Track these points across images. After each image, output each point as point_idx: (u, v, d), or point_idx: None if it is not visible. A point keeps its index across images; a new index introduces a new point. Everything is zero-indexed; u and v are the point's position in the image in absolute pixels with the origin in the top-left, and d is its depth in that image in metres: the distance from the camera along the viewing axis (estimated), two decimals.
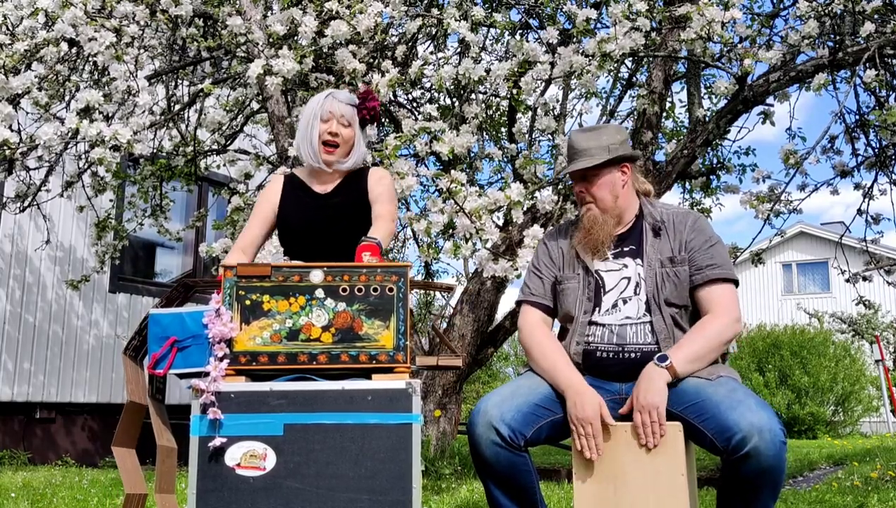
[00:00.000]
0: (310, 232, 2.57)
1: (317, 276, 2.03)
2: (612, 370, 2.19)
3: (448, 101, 6.35)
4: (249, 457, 1.95)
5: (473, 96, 4.64)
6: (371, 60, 4.70)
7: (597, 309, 2.25)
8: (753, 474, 1.90)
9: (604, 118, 5.69)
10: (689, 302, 2.23)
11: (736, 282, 2.23)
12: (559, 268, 2.35)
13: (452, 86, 4.56)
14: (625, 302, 2.23)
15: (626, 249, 2.29)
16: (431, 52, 5.61)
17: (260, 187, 6.04)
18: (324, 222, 2.57)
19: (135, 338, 2.17)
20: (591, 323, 2.23)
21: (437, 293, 8.71)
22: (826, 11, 4.01)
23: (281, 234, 2.66)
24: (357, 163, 2.65)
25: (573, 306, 2.27)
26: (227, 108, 6.09)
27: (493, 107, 6.81)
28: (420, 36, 5.29)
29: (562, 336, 2.34)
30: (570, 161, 2.34)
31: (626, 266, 2.27)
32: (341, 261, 2.18)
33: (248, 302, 2.01)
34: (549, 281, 2.35)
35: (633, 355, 2.17)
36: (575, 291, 2.28)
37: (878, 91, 4.90)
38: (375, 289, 2.02)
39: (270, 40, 4.33)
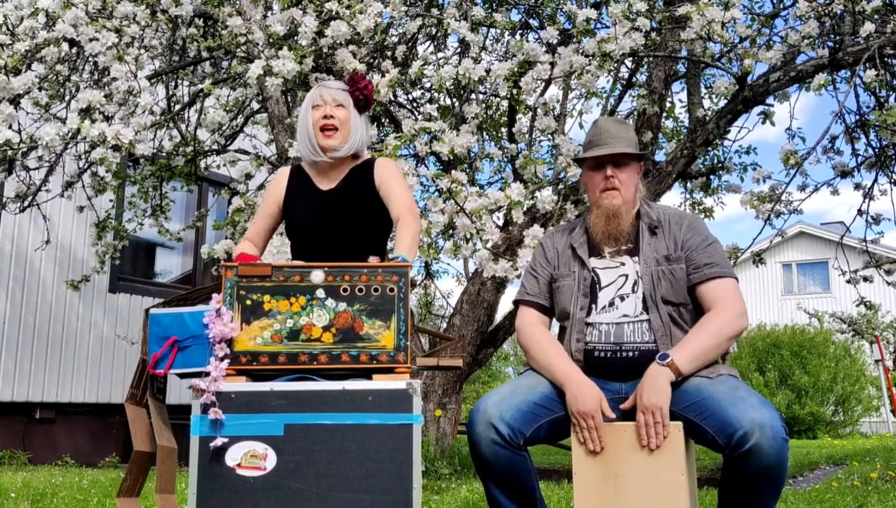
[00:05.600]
0: (314, 229, 2.54)
1: (317, 276, 2.03)
2: (612, 369, 2.19)
3: (448, 101, 6.35)
4: (250, 457, 1.95)
5: (473, 96, 4.64)
6: (371, 60, 4.71)
7: (593, 305, 2.25)
8: (755, 471, 1.90)
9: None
10: (688, 300, 2.23)
11: (735, 280, 2.22)
12: (555, 267, 2.36)
13: (452, 86, 4.56)
14: (622, 299, 2.23)
15: (623, 247, 2.29)
16: (431, 52, 5.61)
17: (260, 187, 6.05)
18: (328, 219, 2.53)
19: (133, 384, 2.16)
20: (588, 324, 2.23)
21: (438, 293, 8.70)
22: (826, 11, 4.01)
23: (287, 230, 2.64)
24: (358, 147, 2.57)
25: (569, 303, 2.27)
26: (227, 108, 6.09)
27: (493, 107, 6.82)
28: (420, 36, 5.29)
29: (560, 336, 2.34)
30: (596, 145, 2.29)
31: (623, 264, 2.28)
32: (347, 259, 2.18)
33: (248, 302, 2.01)
34: (545, 280, 2.36)
35: (630, 353, 2.17)
36: (571, 288, 2.29)
37: (878, 91, 4.90)
38: (376, 289, 2.02)
39: (270, 40, 4.33)
